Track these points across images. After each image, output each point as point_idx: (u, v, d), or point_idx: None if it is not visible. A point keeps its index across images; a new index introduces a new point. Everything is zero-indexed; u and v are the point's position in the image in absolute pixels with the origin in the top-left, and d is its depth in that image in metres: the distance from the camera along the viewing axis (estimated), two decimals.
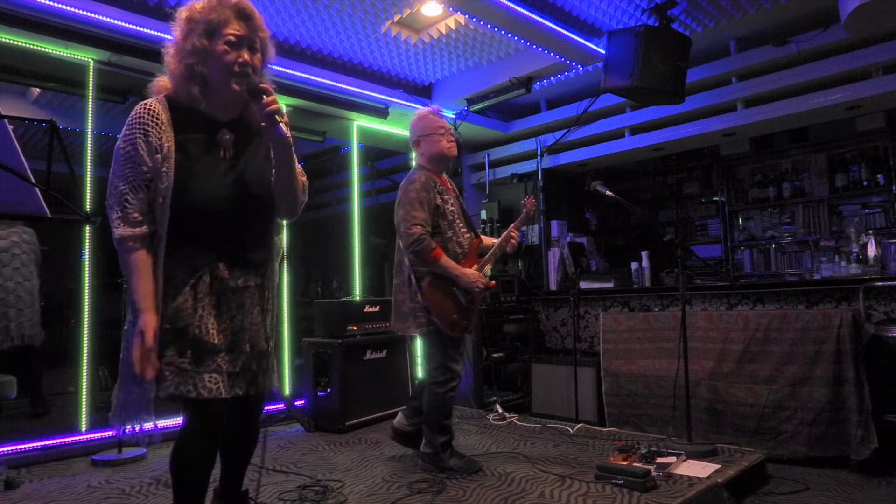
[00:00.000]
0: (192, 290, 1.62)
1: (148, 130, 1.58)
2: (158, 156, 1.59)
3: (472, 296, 2.72)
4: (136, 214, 1.58)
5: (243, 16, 1.64)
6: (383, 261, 5.09)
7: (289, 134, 1.65)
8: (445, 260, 2.64)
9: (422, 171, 2.76)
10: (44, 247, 4.03)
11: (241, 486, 1.98)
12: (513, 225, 2.91)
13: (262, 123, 1.64)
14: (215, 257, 1.66)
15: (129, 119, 1.60)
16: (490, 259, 2.85)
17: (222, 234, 1.68)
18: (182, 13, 1.63)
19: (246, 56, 1.63)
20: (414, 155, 2.90)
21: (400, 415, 2.98)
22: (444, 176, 2.89)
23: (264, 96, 1.60)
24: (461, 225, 2.81)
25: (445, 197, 2.77)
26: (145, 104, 1.62)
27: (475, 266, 2.77)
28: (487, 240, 2.95)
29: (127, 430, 1.63)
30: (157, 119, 1.60)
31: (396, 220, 2.70)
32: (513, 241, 2.88)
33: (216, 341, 1.64)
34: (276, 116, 1.61)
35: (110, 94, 3.62)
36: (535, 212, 3.15)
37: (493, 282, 2.81)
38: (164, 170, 1.59)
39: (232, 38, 1.61)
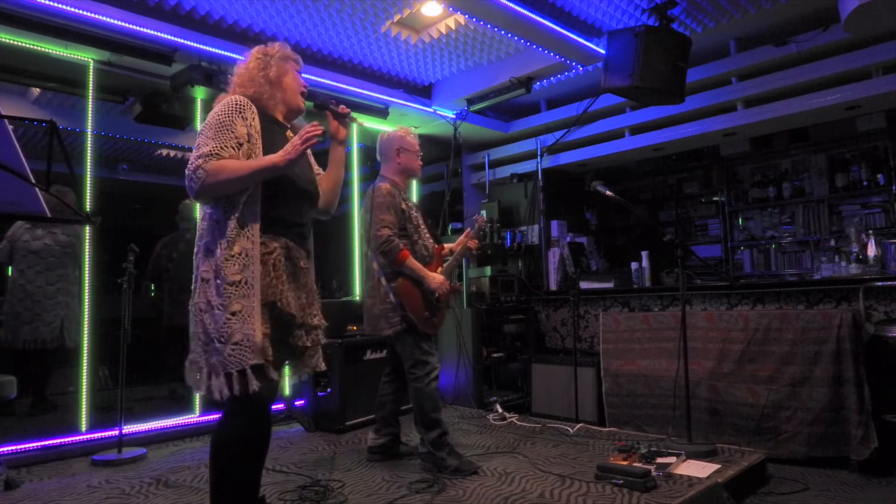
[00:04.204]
0: (272, 267, 1.77)
1: (243, 110, 1.81)
2: (248, 132, 1.80)
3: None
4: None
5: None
6: None
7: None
8: (412, 261, 2.77)
9: (386, 181, 2.88)
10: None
11: (259, 490, 1.90)
12: (467, 232, 3.05)
13: (338, 126, 2.02)
14: (289, 238, 1.85)
15: (223, 105, 1.81)
16: (452, 264, 3.01)
17: (295, 215, 1.89)
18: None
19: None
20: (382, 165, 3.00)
21: (370, 433, 3.07)
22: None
23: (334, 104, 2.02)
24: (426, 231, 2.96)
25: (409, 203, 2.92)
26: (236, 97, 1.84)
27: (440, 269, 2.92)
28: (449, 245, 3.09)
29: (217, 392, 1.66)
30: (250, 107, 1.85)
31: (366, 226, 2.81)
32: (469, 247, 3.01)
33: (295, 314, 1.80)
34: (349, 119, 2.03)
35: (110, 94, 3.63)
36: (485, 227, 3.43)
37: (459, 284, 2.94)
38: (255, 147, 1.80)
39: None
